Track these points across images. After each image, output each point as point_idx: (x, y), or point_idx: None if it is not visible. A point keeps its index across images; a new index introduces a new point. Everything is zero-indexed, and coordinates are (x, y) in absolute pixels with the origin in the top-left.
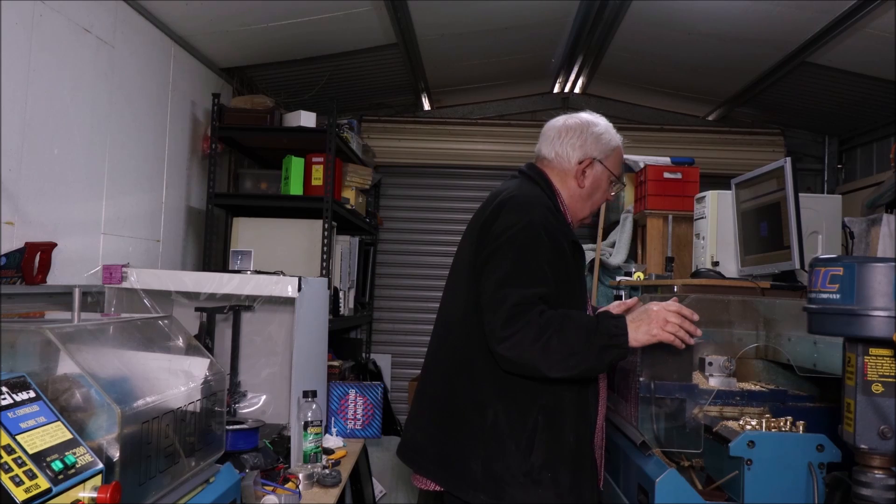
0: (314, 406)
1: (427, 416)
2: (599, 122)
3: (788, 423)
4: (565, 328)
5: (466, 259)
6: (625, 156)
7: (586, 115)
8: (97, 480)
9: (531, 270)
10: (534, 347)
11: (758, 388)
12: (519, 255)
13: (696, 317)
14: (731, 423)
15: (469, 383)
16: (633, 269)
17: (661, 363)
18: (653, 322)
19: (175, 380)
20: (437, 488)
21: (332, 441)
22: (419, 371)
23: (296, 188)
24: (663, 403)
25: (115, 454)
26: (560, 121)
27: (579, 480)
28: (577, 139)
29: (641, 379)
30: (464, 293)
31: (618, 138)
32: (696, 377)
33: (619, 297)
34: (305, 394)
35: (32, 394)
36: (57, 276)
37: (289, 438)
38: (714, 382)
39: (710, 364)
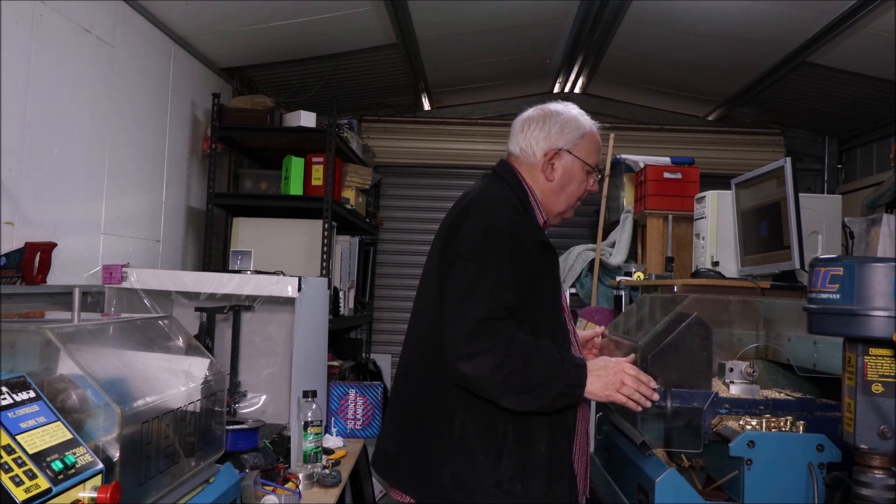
0: (314, 406)
1: (398, 427)
2: (565, 110)
3: (788, 423)
4: (529, 364)
5: (434, 266)
6: (624, 156)
7: (552, 105)
8: (97, 480)
9: (494, 278)
10: (494, 375)
11: (782, 396)
12: (482, 261)
13: (652, 383)
14: (731, 423)
15: (437, 393)
16: (633, 269)
17: (676, 368)
18: (609, 382)
19: (175, 380)
20: (412, 501)
21: (332, 441)
22: None
23: (296, 188)
24: (678, 413)
25: (115, 454)
26: (525, 114)
27: (554, 490)
28: (539, 131)
29: (656, 387)
30: (433, 301)
31: (588, 125)
32: (716, 384)
33: (619, 298)
34: (305, 394)
35: (32, 394)
36: (57, 276)
37: (289, 438)
38: (735, 390)
39: (731, 370)
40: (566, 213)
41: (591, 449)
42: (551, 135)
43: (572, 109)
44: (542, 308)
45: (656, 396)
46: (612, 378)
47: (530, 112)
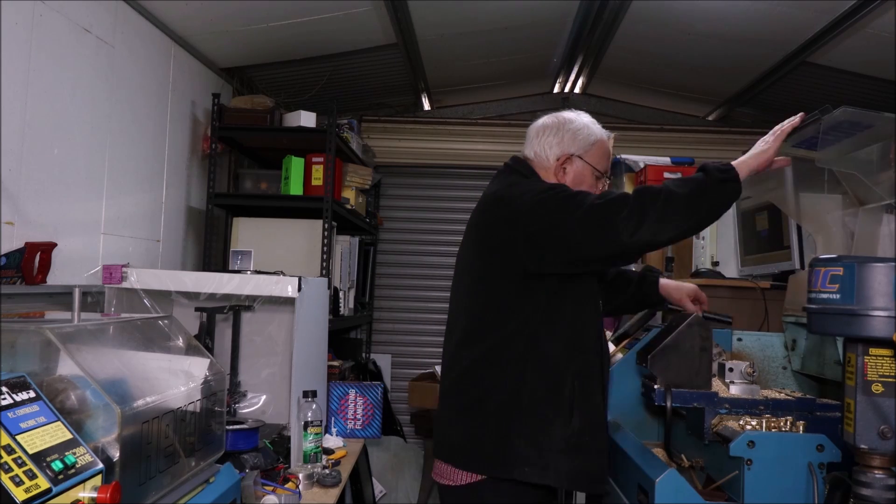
0: (314, 406)
1: (460, 412)
2: (578, 118)
3: (788, 423)
4: (668, 194)
5: (468, 262)
6: (624, 156)
7: (566, 113)
8: (97, 480)
9: (584, 196)
10: (649, 229)
11: (782, 396)
12: (562, 199)
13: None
14: (731, 423)
15: (500, 368)
16: (634, 269)
17: (676, 368)
18: (755, 152)
19: (175, 380)
20: (472, 480)
21: (332, 441)
22: (419, 371)
23: (296, 188)
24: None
25: (115, 454)
26: (540, 121)
27: (606, 445)
28: (553, 137)
29: (656, 386)
30: (470, 289)
31: (598, 133)
32: (716, 384)
33: None
34: (305, 394)
35: (32, 394)
36: (57, 276)
37: (289, 438)
38: (735, 390)
39: (731, 370)
40: None
41: None
42: (564, 140)
43: (584, 117)
44: (587, 301)
45: (795, 120)
46: (757, 148)
47: (545, 119)
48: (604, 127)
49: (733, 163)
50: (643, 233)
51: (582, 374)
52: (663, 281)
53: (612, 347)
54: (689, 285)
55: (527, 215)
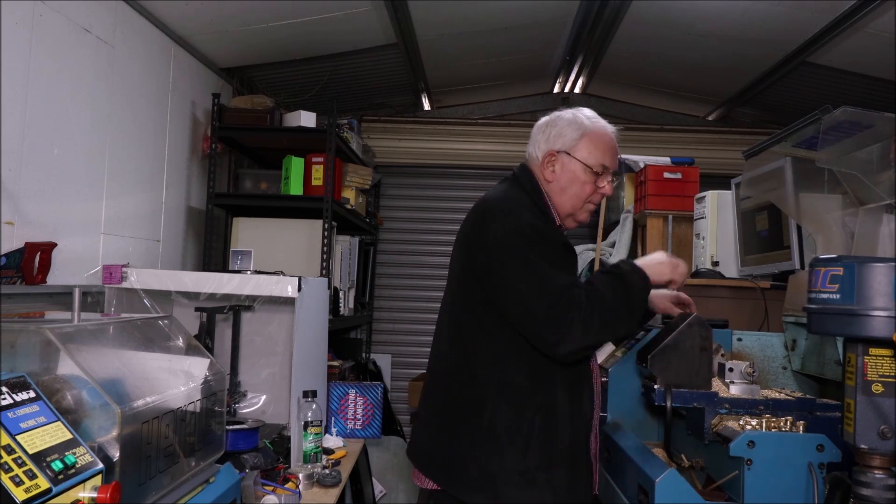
0: (314, 406)
1: (430, 417)
2: (567, 114)
3: (788, 423)
4: (603, 307)
5: (456, 267)
6: (624, 156)
7: (559, 111)
8: (97, 480)
9: (540, 269)
10: (586, 338)
11: (782, 396)
12: (521, 260)
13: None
14: (731, 423)
15: (467, 384)
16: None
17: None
18: (665, 269)
19: (175, 380)
20: (435, 487)
21: (332, 441)
22: (419, 371)
23: (296, 188)
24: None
25: (115, 454)
26: (540, 119)
27: (576, 480)
28: (542, 135)
29: (656, 386)
30: (454, 298)
31: (589, 126)
32: (716, 384)
33: None
34: (305, 394)
35: (32, 394)
36: (57, 276)
37: (289, 438)
38: (735, 390)
39: (731, 370)
40: (577, 216)
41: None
42: (550, 138)
43: (580, 112)
44: None
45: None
46: (668, 267)
47: (543, 117)
48: None
49: (651, 278)
50: (589, 339)
51: (545, 408)
52: None
53: (611, 347)
54: (669, 292)
55: (492, 267)
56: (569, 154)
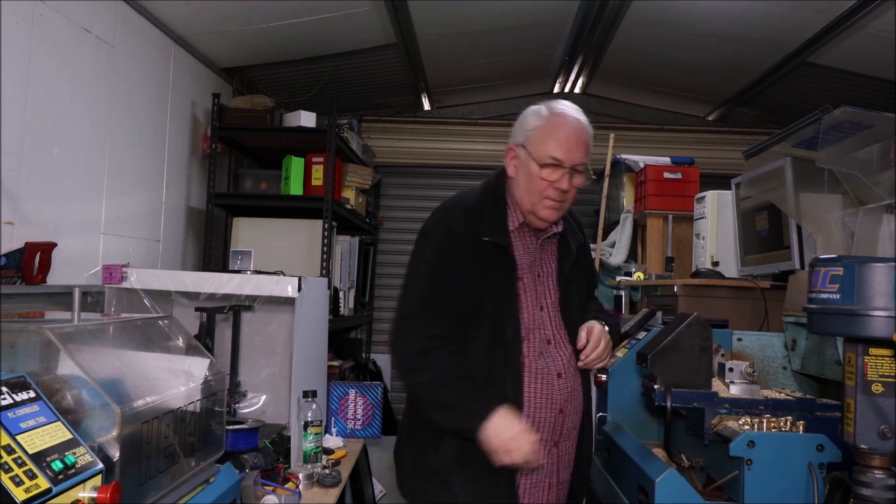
0: (314, 406)
1: (406, 409)
2: (534, 107)
3: (788, 423)
4: (440, 378)
5: None
6: (624, 156)
7: (534, 104)
8: (97, 480)
9: (417, 276)
10: (398, 368)
11: (782, 396)
12: (412, 261)
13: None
14: (731, 423)
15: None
16: (633, 269)
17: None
18: (502, 444)
19: (175, 380)
20: None
21: (332, 441)
22: None
23: (296, 188)
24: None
25: (115, 454)
26: None
27: (490, 490)
28: (513, 129)
29: (656, 386)
30: None
31: (545, 117)
32: (716, 384)
33: (619, 298)
34: (305, 394)
35: (32, 394)
36: (57, 276)
37: (289, 438)
38: (735, 390)
39: (731, 370)
40: (537, 213)
41: (594, 450)
42: (514, 131)
43: (550, 105)
44: (474, 305)
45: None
46: (506, 444)
47: None
48: (603, 127)
49: (482, 430)
50: (403, 375)
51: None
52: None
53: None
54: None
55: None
56: (524, 147)
